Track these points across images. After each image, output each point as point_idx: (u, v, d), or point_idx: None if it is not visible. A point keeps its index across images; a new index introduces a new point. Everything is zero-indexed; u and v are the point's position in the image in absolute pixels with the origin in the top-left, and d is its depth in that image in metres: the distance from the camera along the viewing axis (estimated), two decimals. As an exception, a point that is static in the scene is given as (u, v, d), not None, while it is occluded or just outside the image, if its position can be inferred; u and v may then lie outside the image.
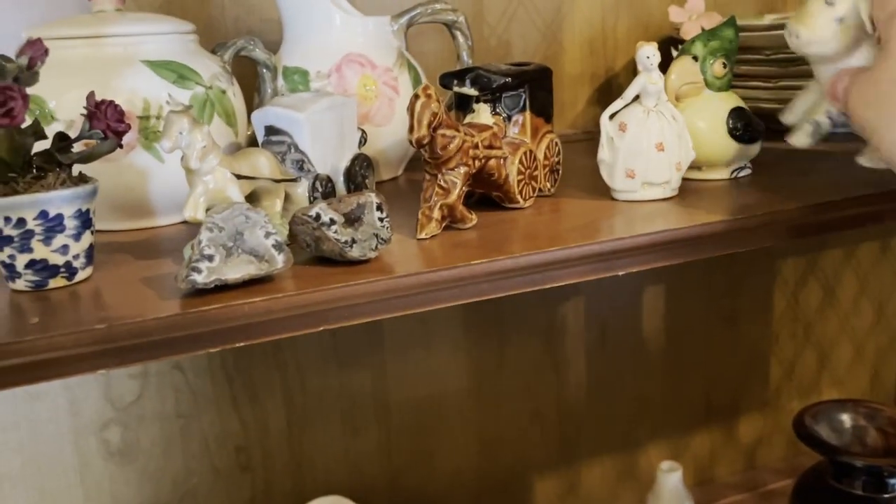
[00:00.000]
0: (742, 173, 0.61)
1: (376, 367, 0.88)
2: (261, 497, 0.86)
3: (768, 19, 0.72)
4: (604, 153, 0.54)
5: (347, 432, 0.88)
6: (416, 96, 0.46)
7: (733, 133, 0.57)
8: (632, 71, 0.93)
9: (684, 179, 0.60)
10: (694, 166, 0.60)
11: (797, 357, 1.13)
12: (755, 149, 0.60)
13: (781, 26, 0.65)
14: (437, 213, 0.48)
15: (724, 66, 0.58)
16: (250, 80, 0.62)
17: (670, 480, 0.88)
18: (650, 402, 1.04)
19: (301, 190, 0.50)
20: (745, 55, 0.73)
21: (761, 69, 0.71)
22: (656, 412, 1.04)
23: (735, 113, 0.58)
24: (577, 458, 1.01)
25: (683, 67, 0.57)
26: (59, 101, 0.49)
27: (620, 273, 0.49)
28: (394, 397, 0.89)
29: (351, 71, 0.61)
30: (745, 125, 0.57)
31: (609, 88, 0.92)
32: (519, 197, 0.53)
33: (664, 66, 0.60)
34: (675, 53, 0.60)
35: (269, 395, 0.84)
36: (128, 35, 0.51)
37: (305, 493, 0.86)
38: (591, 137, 0.87)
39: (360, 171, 0.55)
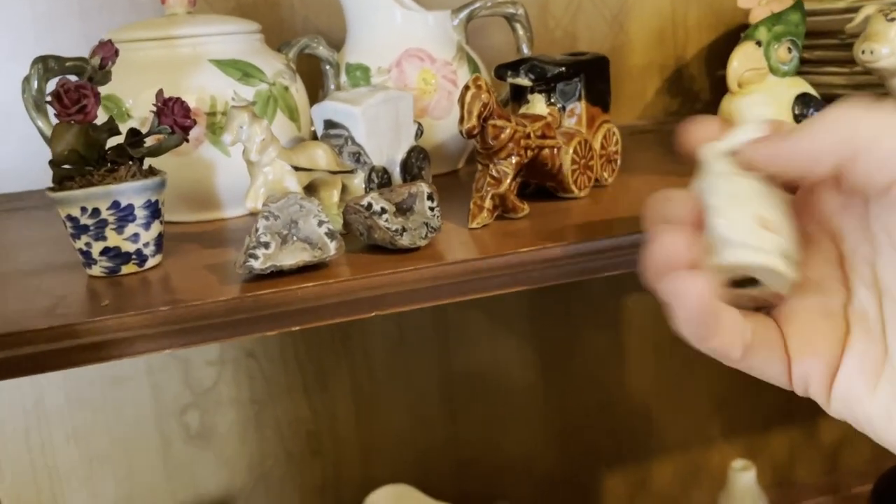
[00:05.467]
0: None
1: (442, 357, 0.89)
2: (331, 482, 0.88)
3: (844, 2, 0.70)
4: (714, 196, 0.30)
5: (415, 422, 0.90)
6: (466, 87, 0.46)
7: (799, 119, 0.56)
8: (703, 60, 0.91)
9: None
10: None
11: (884, 355, 1.08)
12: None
13: (857, 9, 0.63)
14: (488, 203, 0.49)
15: (790, 50, 0.56)
16: (316, 77, 0.65)
17: (743, 479, 0.86)
18: (724, 399, 1.01)
19: (358, 181, 0.51)
20: (819, 40, 0.70)
21: (836, 54, 0.69)
22: (731, 409, 1.02)
23: (801, 99, 0.56)
24: (647, 454, 1.00)
25: (745, 53, 0.56)
26: (135, 100, 0.52)
27: (675, 262, 0.48)
28: (460, 387, 0.90)
29: (410, 65, 0.62)
30: (811, 111, 0.56)
31: (679, 78, 0.90)
32: (573, 186, 0.53)
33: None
34: (742, 39, 0.58)
35: (338, 383, 0.86)
36: (196, 36, 0.54)
37: (374, 480, 0.88)
38: (659, 128, 0.86)
39: (416, 163, 0.56)
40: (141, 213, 0.43)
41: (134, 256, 0.44)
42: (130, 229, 0.43)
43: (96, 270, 0.44)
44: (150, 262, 0.45)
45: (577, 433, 0.96)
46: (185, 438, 0.83)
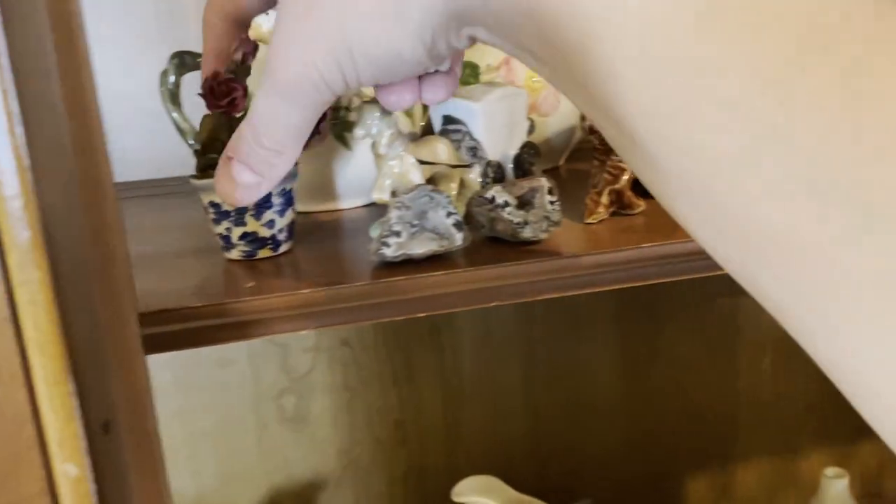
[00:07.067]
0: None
1: (527, 356, 0.90)
2: (415, 471, 0.90)
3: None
4: None
5: (499, 417, 0.91)
6: (588, 85, 0.47)
7: None
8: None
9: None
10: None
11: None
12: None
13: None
14: (605, 199, 0.50)
15: None
16: (423, 74, 0.66)
17: (835, 488, 0.84)
18: (814, 406, 0.99)
19: (473, 175, 0.53)
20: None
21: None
22: (820, 417, 1.00)
23: None
24: (732, 459, 0.99)
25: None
26: (262, 95, 0.55)
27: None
28: (543, 386, 0.91)
29: (519, 63, 0.63)
30: None
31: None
32: (686, 185, 0.54)
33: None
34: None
35: (425, 375, 0.88)
36: (322, 33, 0.56)
37: (457, 471, 0.90)
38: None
39: (527, 159, 0.57)
40: (277, 201, 0.46)
41: (269, 241, 0.46)
42: (267, 216, 0.46)
43: (234, 254, 0.47)
44: (283, 248, 0.47)
45: (659, 435, 0.96)
46: (281, 421, 0.86)
